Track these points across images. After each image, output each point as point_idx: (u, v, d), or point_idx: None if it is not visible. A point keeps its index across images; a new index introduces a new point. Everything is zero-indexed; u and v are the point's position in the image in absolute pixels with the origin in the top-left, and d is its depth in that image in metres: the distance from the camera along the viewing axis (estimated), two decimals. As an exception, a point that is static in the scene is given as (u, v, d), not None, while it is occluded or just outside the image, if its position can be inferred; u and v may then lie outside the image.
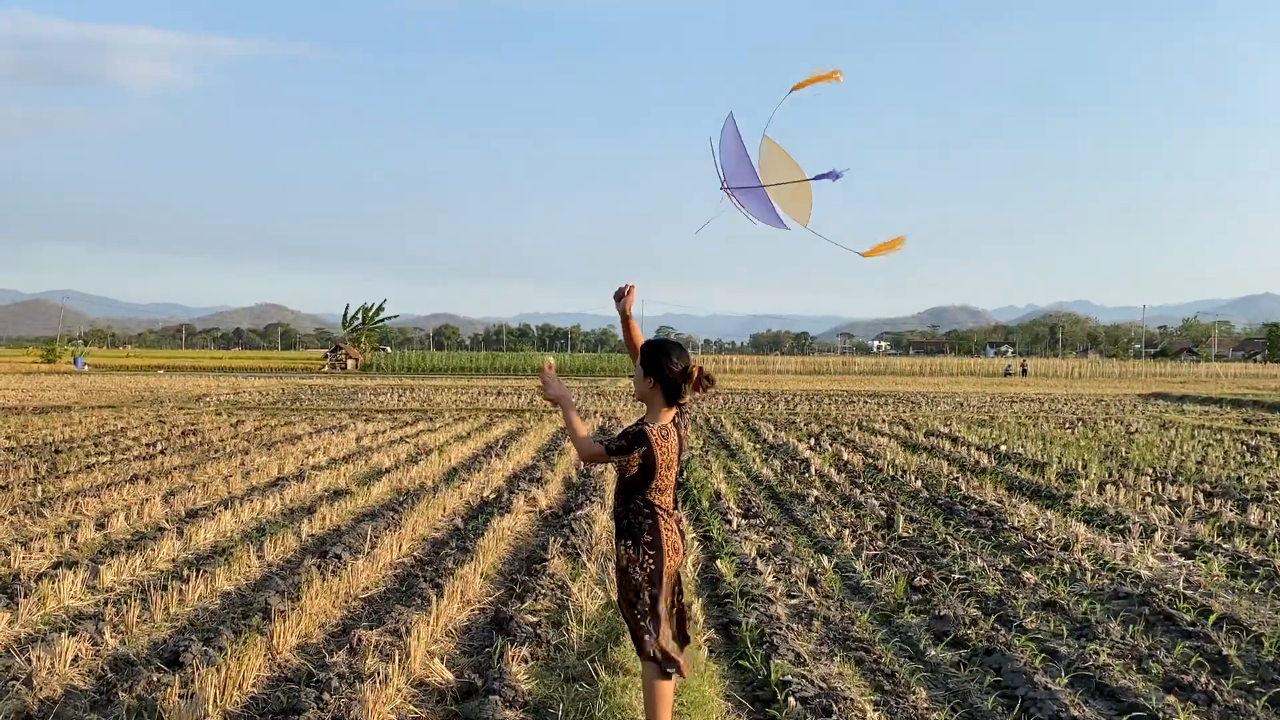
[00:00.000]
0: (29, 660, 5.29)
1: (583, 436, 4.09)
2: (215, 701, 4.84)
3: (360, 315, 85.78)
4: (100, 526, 9.12)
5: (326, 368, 72.74)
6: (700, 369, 4.14)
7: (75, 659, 5.45)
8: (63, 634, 5.73)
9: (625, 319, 4.51)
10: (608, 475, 12.26)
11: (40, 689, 5.02)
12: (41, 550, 8.07)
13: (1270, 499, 11.59)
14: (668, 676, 4.12)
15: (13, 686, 5.02)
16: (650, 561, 4.08)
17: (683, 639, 4.31)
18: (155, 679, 5.15)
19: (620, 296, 4.48)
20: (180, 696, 4.83)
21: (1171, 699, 5.14)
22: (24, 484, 11.59)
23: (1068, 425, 22.81)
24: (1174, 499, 11.58)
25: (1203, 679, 5.40)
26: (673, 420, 4.14)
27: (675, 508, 4.21)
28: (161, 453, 15.02)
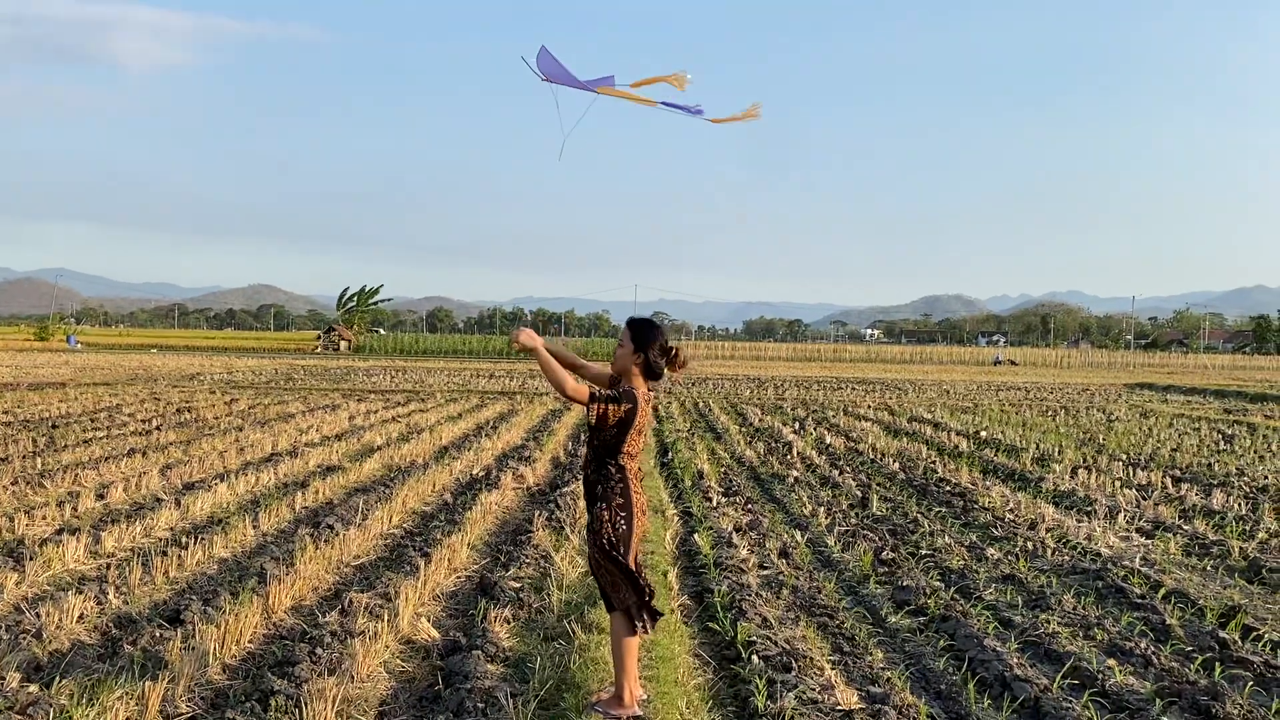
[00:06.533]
0: (38, 616, 5.61)
1: (563, 374, 4.36)
2: (215, 654, 5.16)
3: (356, 297, 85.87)
4: (100, 497, 9.41)
5: (320, 349, 72.92)
6: (679, 350, 4.50)
7: (81, 616, 5.76)
8: (69, 594, 6.05)
9: (539, 357, 4.33)
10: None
11: (50, 642, 5.33)
12: (44, 518, 8.37)
13: (1236, 484, 11.95)
14: (634, 631, 4.44)
15: (24, 640, 5.33)
16: (622, 523, 4.41)
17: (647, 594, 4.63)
18: (158, 634, 5.47)
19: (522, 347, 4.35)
20: (182, 649, 5.16)
21: (1112, 662, 5.50)
22: (23, 456, 11.88)
23: (1050, 413, 23.18)
24: (1143, 483, 11.95)
25: (1143, 645, 5.75)
26: (648, 391, 4.52)
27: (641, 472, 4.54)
28: (157, 429, 15.31)
